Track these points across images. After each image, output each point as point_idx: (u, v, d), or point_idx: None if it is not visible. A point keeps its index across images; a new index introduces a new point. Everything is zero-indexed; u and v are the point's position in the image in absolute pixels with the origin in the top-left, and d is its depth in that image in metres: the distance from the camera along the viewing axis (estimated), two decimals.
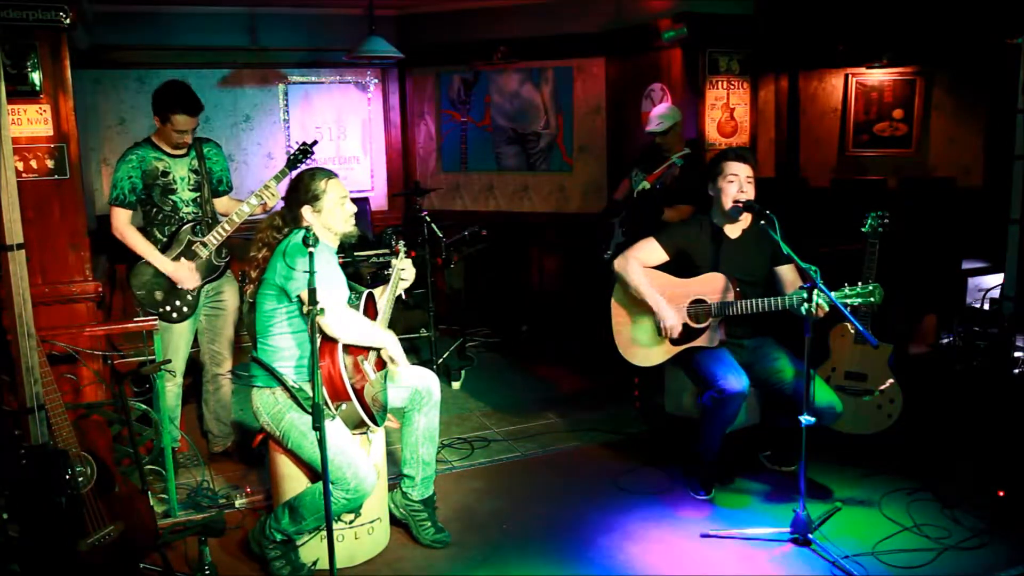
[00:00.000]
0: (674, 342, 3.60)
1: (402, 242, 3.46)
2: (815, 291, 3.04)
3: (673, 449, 3.91)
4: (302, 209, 3.04)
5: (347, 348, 2.94)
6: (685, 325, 3.57)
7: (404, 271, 3.32)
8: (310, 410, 2.90)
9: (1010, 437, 3.71)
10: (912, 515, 3.32)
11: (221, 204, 3.96)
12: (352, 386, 2.88)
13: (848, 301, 3.18)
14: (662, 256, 3.63)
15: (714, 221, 3.62)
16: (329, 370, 2.86)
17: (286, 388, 2.96)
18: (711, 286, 3.54)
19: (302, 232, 2.94)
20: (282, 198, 3.22)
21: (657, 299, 3.54)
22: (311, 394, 2.95)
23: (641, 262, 3.61)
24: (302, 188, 3.06)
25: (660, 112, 4.68)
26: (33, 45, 3.36)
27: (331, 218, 3.06)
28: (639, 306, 3.66)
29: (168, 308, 3.70)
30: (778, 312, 3.43)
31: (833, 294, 3.13)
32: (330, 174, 3.10)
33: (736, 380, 3.35)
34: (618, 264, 3.66)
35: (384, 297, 3.27)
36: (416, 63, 6.25)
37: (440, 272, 5.69)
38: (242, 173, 5.89)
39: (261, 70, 5.94)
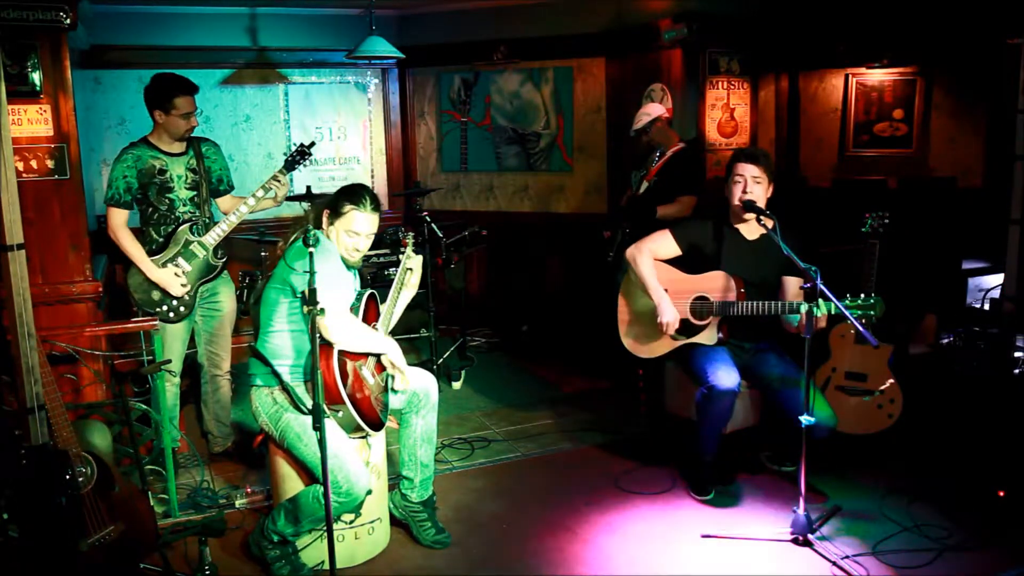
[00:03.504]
0: (674, 336, 3.61)
1: (411, 234, 3.42)
2: (816, 299, 3.04)
3: (673, 449, 3.91)
4: (324, 211, 3.06)
5: (343, 353, 2.93)
6: (686, 321, 3.58)
7: (411, 271, 3.29)
8: (302, 409, 2.91)
9: (1010, 437, 3.71)
10: (912, 515, 3.32)
11: (224, 203, 3.97)
12: (347, 391, 2.87)
13: (849, 312, 3.16)
14: (674, 250, 3.64)
15: (730, 221, 3.62)
16: (324, 374, 2.85)
17: (283, 386, 2.96)
18: (716, 284, 3.54)
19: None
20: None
21: (660, 294, 3.55)
22: (301, 396, 2.97)
23: (653, 253, 3.63)
24: (337, 195, 3.07)
25: (639, 112, 4.71)
26: (33, 45, 3.36)
27: (335, 237, 3.06)
28: (645, 298, 3.68)
29: (165, 308, 3.70)
30: (777, 316, 3.43)
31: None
32: (363, 204, 3.01)
33: (726, 377, 3.35)
34: (629, 253, 3.67)
35: (388, 298, 3.26)
36: (416, 63, 6.24)
37: (440, 272, 5.69)
38: (242, 173, 5.89)
39: (261, 70, 5.93)
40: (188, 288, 3.73)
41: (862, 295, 3.18)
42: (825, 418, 3.31)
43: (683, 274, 3.62)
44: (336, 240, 3.05)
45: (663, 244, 3.65)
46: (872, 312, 3.15)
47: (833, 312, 3.14)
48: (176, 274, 3.69)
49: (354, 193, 3.04)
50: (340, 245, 3.05)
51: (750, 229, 3.60)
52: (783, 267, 3.52)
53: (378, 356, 3.11)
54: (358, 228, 3.02)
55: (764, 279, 3.56)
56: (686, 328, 3.60)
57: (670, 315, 3.53)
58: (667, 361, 3.84)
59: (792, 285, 3.56)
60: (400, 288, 3.23)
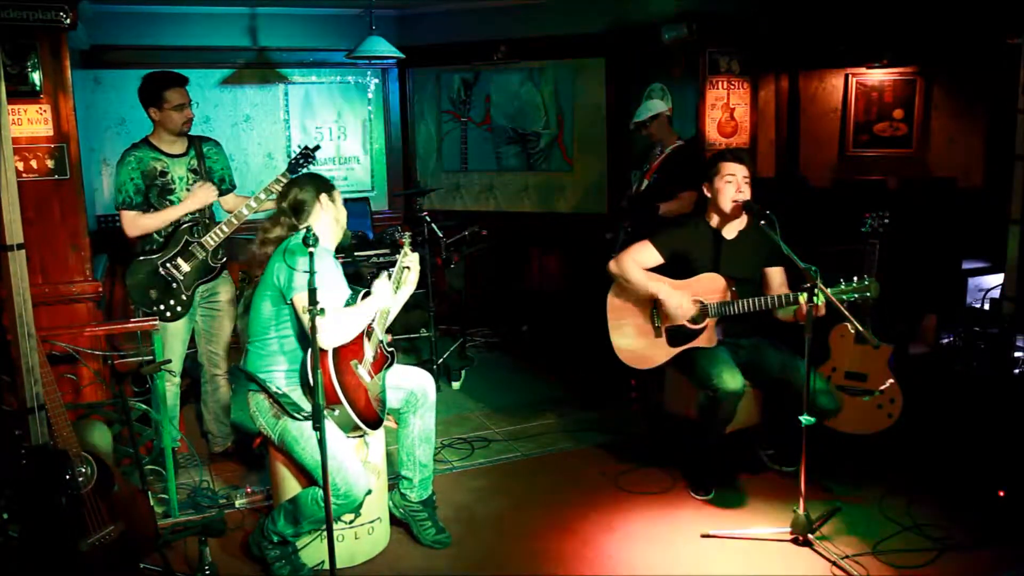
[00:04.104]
0: (672, 343, 3.60)
1: (407, 234, 3.43)
2: (814, 290, 3.04)
3: (673, 449, 3.91)
4: (320, 196, 3.08)
5: (338, 351, 2.92)
6: (682, 327, 3.57)
7: (408, 269, 3.28)
8: (296, 416, 2.91)
9: (1010, 437, 3.70)
10: (912, 515, 3.32)
11: (227, 202, 3.97)
12: (343, 390, 2.87)
13: (845, 297, 3.17)
14: (657, 259, 3.63)
15: (709, 222, 3.62)
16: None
17: (271, 397, 2.94)
18: (708, 287, 3.54)
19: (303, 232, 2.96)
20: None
21: (659, 287, 3.54)
22: (296, 400, 2.96)
23: (637, 264, 3.61)
24: (312, 184, 3.11)
25: (645, 103, 4.68)
26: (33, 45, 3.35)
27: (334, 219, 3.10)
28: (635, 309, 3.67)
29: (162, 307, 3.70)
30: (773, 309, 3.44)
31: (829, 290, 3.13)
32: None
33: (731, 379, 3.35)
34: (613, 267, 3.65)
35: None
36: (416, 63, 6.24)
37: (440, 272, 5.69)
38: (242, 173, 5.89)
39: (261, 70, 5.94)
40: (215, 195, 3.78)
41: (855, 278, 3.19)
42: (826, 402, 3.33)
43: (672, 280, 3.61)
44: (333, 223, 3.11)
45: (645, 254, 3.63)
46: (868, 294, 3.16)
47: (836, 295, 3.14)
48: (200, 185, 3.74)
49: (319, 176, 3.19)
50: (337, 225, 3.13)
51: (729, 228, 3.61)
52: (764, 260, 3.55)
53: (375, 354, 3.11)
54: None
55: (748, 275, 3.58)
56: (683, 334, 3.59)
57: (682, 301, 3.50)
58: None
59: (776, 276, 3.59)
60: (397, 286, 3.23)
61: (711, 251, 3.58)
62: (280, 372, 3.00)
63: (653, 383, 4.06)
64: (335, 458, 2.82)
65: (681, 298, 3.51)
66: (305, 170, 3.90)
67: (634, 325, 3.69)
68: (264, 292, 3.00)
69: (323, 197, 3.08)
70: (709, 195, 3.59)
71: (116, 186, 3.67)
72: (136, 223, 3.67)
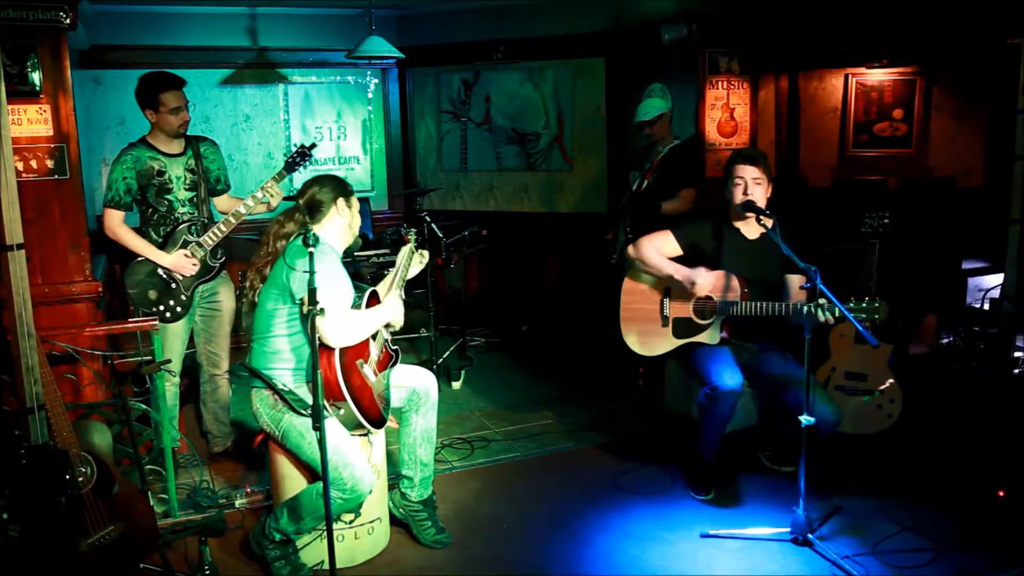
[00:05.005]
0: (676, 335, 3.61)
1: (413, 230, 3.45)
2: (822, 301, 3.03)
3: (673, 449, 3.91)
4: (337, 200, 3.07)
5: (345, 350, 2.92)
6: (689, 319, 3.58)
7: (413, 266, 3.29)
8: (302, 412, 2.91)
9: (1010, 437, 3.71)
10: (912, 515, 3.32)
11: (221, 203, 3.97)
12: (348, 388, 2.87)
13: (853, 316, 3.15)
14: (676, 249, 3.65)
15: (732, 221, 3.63)
16: (325, 372, 2.85)
17: (278, 393, 2.94)
18: (718, 283, 3.54)
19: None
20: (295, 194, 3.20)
21: (677, 267, 3.56)
22: (303, 397, 2.96)
23: (656, 249, 3.63)
24: (334, 185, 3.10)
25: (647, 101, 4.65)
26: (33, 45, 3.35)
27: (347, 223, 3.11)
28: (648, 296, 3.68)
29: (162, 308, 3.70)
30: (781, 317, 3.43)
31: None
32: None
33: (730, 377, 3.35)
34: (632, 250, 3.68)
35: (386, 288, 3.25)
36: (416, 63, 6.24)
37: (440, 272, 5.69)
38: (242, 173, 5.89)
39: (261, 70, 5.94)
40: (198, 268, 3.74)
41: (866, 299, 3.18)
42: (829, 413, 3.31)
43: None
44: (345, 228, 3.11)
45: (664, 243, 3.66)
46: (876, 316, 3.15)
47: (837, 315, 3.13)
48: (186, 254, 3.70)
49: (340, 179, 3.16)
50: (349, 231, 3.13)
51: (751, 228, 3.60)
52: (784, 266, 3.52)
53: (380, 353, 3.11)
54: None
55: (766, 278, 3.56)
56: (689, 327, 3.60)
57: (695, 278, 3.50)
58: (668, 360, 3.84)
59: (795, 283, 3.56)
60: (405, 273, 3.25)
61: (726, 249, 3.58)
62: (286, 370, 3.00)
63: (658, 379, 4.06)
64: (340, 454, 2.83)
65: (695, 275, 3.51)
66: (302, 168, 3.94)
67: (644, 311, 3.72)
68: (271, 290, 3.00)
69: (340, 201, 3.08)
70: (727, 197, 3.60)
71: (108, 182, 3.66)
72: (118, 229, 3.65)
